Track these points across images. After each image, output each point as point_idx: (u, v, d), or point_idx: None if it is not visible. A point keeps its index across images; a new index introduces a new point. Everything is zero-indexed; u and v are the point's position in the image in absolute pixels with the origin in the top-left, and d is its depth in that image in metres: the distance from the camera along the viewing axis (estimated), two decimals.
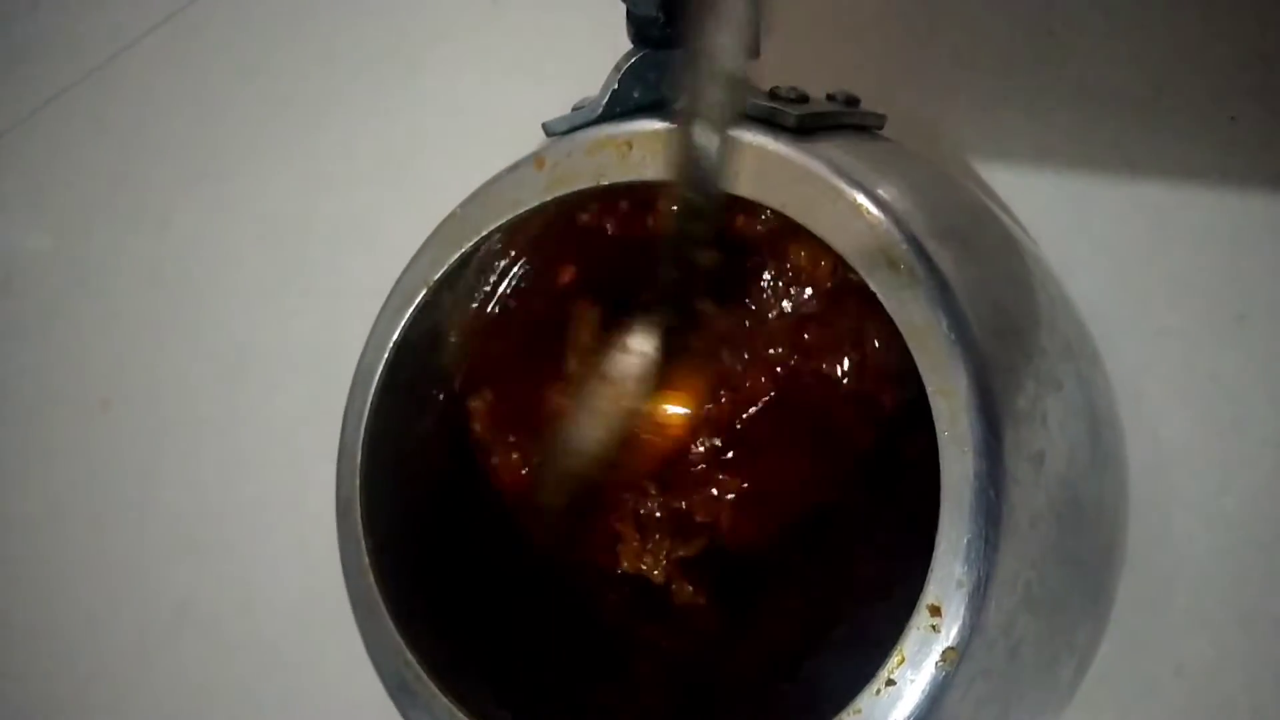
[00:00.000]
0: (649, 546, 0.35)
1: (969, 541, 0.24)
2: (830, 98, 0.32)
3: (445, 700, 0.29)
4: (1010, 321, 0.27)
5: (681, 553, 0.35)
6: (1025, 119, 0.38)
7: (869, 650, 0.25)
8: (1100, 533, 0.29)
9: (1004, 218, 0.31)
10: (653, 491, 0.35)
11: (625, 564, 0.35)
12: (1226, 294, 0.35)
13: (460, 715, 0.28)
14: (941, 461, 0.24)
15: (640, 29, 0.29)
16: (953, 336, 0.25)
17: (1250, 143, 0.35)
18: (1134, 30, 0.38)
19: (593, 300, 0.37)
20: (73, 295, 0.59)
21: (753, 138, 0.28)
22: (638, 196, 0.36)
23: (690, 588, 0.35)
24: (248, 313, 0.53)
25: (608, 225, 0.37)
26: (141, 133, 0.59)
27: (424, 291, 0.32)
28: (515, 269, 0.37)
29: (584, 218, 0.37)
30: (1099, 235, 0.36)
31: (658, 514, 0.35)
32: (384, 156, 0.51)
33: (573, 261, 0.38)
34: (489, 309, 0.37)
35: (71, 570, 0.54)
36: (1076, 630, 0.28)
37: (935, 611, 0.24)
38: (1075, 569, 0.27)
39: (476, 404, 0.36)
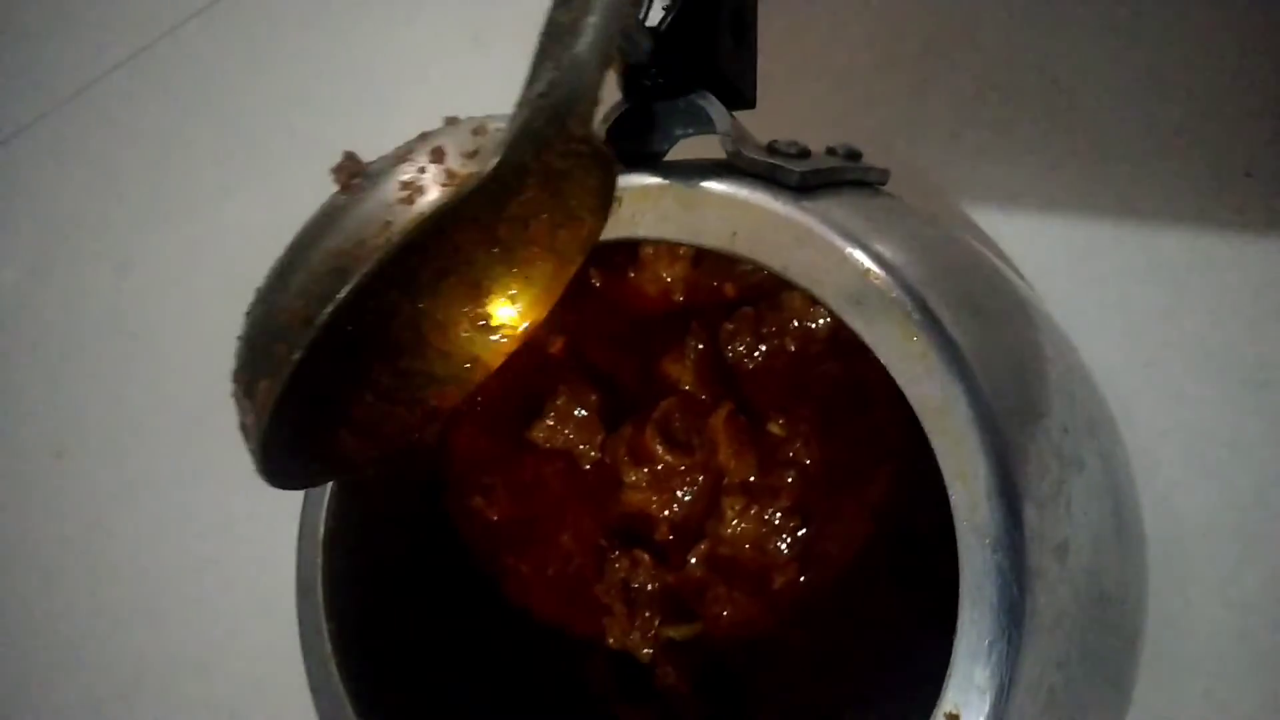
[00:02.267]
0: (637, 623, 0.33)
1: (990, 643, 0.22)
2: (831, 151, 0.30)
3: None
4: (1030, 397, 0.25)
5: (671, 634, 0.33)
6: (1030, 171, 0.36)
7: None
8: (1124, 623, 0.26)
9: (1014, 279, 0.30)
10: (646, 561, 0.33)
11: (611, 640, 0.33)
12: (1247, 357, 0.34)
13: None
14: (960, 553, 0.22)
15: (631, 78, 0.28)
16: (971, 416, 0.23)
17: (1269, 197, 0.34)
18: (1144, 79, 0.36)
19: (589, 384, 0.35)
20: (31, 335, 0.56)
21: (752, 195, 0.26)
22: (629, 254, 0.35)
23: (674, 672, 0.33)
24: (209, 363, 0.50)
25: (596, 282, 0.35)
26: (104, 169, 0.57)
27: None
28: None
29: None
30: (1110, 293, 0.35)
31: (649, 588, 0.33)
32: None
33: (563, 331, 0.36)
34: None
35: (22, 628, 0.51)
36: None
37: (954, 719, 0.22)
38: (1099, 666, 0.25)
39: (456, 443, 0.34)
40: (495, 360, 0.25)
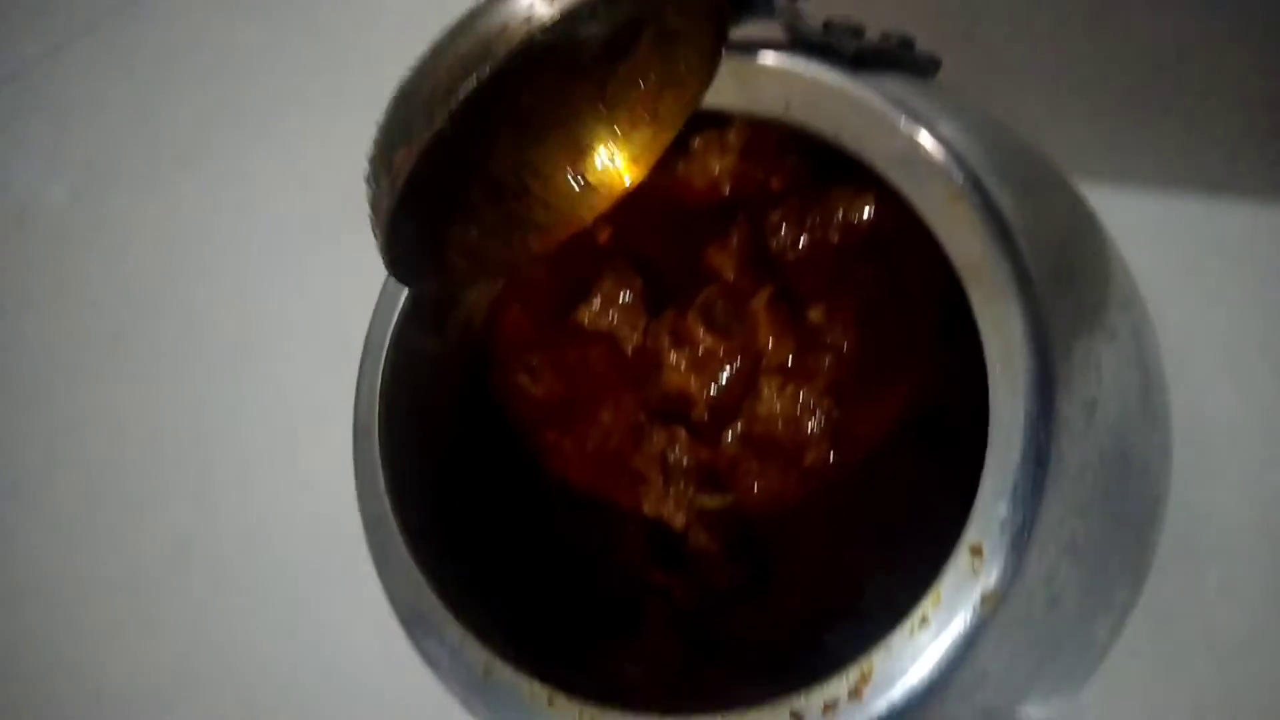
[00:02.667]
0: (672, 493, 0.35)
1: (1016, 482, 0.23)
2: (885, 37, 0.31)
3: (459, 627, 0.28)
4: (1068, 265, 0.26)
5: (704, 503, 0.34)
6: (1081, 76, 0.37)
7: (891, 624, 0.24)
8: (1145, 492, 0.28)
9: (1058, 167, 0.30)
10: (683, 437, 0.34)
11: (647, 507, 0.35)
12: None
13: (474, 644, 0.28)
14: (991, 400, 0.24)
15: None
16: (1009, 271, 0.24)
17: None
18: None
19: (635, 271, 0.37)
20: (87, 225, 0.58)
21: (807, 67, 0.27)
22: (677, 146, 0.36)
23: (706, 536, 0.34)
24: (266, 245, 0.52)
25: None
26: (163, 77, 0.58)
27: None
28: None
29: None
30: (1152, 195, 0.35)
31: (685, 462, 0.35)
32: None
33: (609, 222, 0.37)
34: None
35: (75, 503, 0.53)
36: (1115, 589, 0.27)
37: (976, 552, 0.23)
38: (1118, 525, 0.26)
39: (503, 324, 0.35)
40: (587, 216, 0.27)
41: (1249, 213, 0.35)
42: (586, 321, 0.36)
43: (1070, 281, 0.26)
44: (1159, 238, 0.35)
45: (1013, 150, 0.29)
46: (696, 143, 0.35)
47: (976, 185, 0.25)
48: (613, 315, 0.36)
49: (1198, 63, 0.36)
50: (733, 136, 0.35)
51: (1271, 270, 0.35)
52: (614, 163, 0.27)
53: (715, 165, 0.35)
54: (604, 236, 0.37)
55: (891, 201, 0.26)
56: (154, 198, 0.56)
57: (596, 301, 0.36)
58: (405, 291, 0.32)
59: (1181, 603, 0.34)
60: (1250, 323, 0.35)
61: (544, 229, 0.27)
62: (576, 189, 0.27)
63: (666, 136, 0.26)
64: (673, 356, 0.35)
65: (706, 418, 0.35)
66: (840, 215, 0.34)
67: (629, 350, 0.36)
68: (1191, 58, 0.36)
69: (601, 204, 0.27)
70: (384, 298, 0.32)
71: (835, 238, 0.34)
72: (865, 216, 0.33)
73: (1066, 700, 0.29)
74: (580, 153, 0.26)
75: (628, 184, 0.27)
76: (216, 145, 0.55)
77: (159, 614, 0.49)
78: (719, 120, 0.34)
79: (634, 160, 0.27)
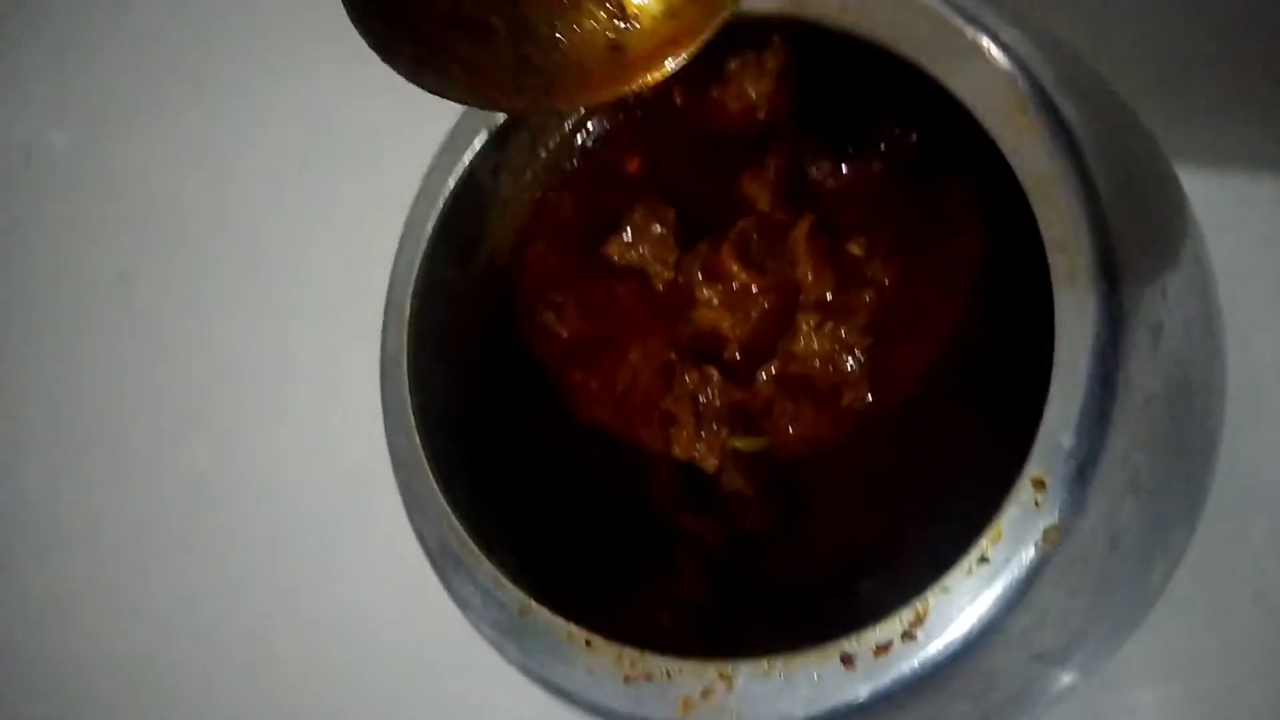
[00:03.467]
0: (704, 434, 0.33)
1: (1083, 409, 0.22)
2: None
3: (492, 567, 0.27)
4: (1134, 185, 0.25)
5: (739, 445, 0.33)
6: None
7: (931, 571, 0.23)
8: (1205, 426, 0.26)
9: (1118, 90, 0.29)
10: (715, 378, 0.33)
11: (677, 449, 0.34)
12: None
13: (508, 584, 0.27)
14: (1056, 323, 0.22)
15: None
16: (1076, 187, 0.23)
17: None
18: None
19: (666, 202, 0.35)
20: (94, 164, 0.56)
21: None
22: (713, 69, 0.34)
23: (739, 479, 0.33)
24: (277, 180, 0.50)
25: (677, 99, 0.35)
26: (168, 10, 0.57)
27: (485, 133, 0.30)
28: (583, 130, 0.35)
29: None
30: (1209, 128, 0.34)
31: (717, 403, 0.33)
32: None
33: (639, 152, 0.36)
34: (554, 166, 0.35)
35: (85, 445, 0.52)
36: (1173, 529, 0.26)
37: (1039, 485, 0.22)
38: (1181, 460, 0.25)
39: (529, 259, 0.34)
40: (610, 84, 0.25)
41: None
42: (616, 255, 0.35)
43: (1135, 201, 0.25)
44: (1218, 170, 0.34)
45: (1074, 66, 0.27)
46: (732, 65, 0.34)
47: (1044, 97, 0.24)
48: (643, 249, 0.35)
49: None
50: (770, 59, 0.33)
51: None
52: (640, 23, 0.24)
53: (751, 90, 0.34)
54: (634, 167, 0.36)
55: (941, 125, 0.25)
56: (161, 134, 0.54)
57: (627, 234, 0.35)
58: (432, 221, 0.31)
59: (1228, 553, 0.33)
60: None
61: (559, 78, 0.24)
62: (602, 42, 0.24)
63: (718, 16, 0.23)
64: (705, 292, 0.34)
65: (740, 357, 0.34)
66: (884, 144, 0.32)
67: (659, 286, 0.35)
68: None
69: (628, 75, 0.24)
70: (410, 226, 0.31)
71: (878, 165, 0.32)
72: (912, 140, 0.31)
73: (1117, 646, 0.28)
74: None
75: (663, 64, 0.24)
76: (224, 78, 0.53)
77: (172, 555, 0.48)
78: (757, 41, 0.32)
79: (674, 32, 0.24)
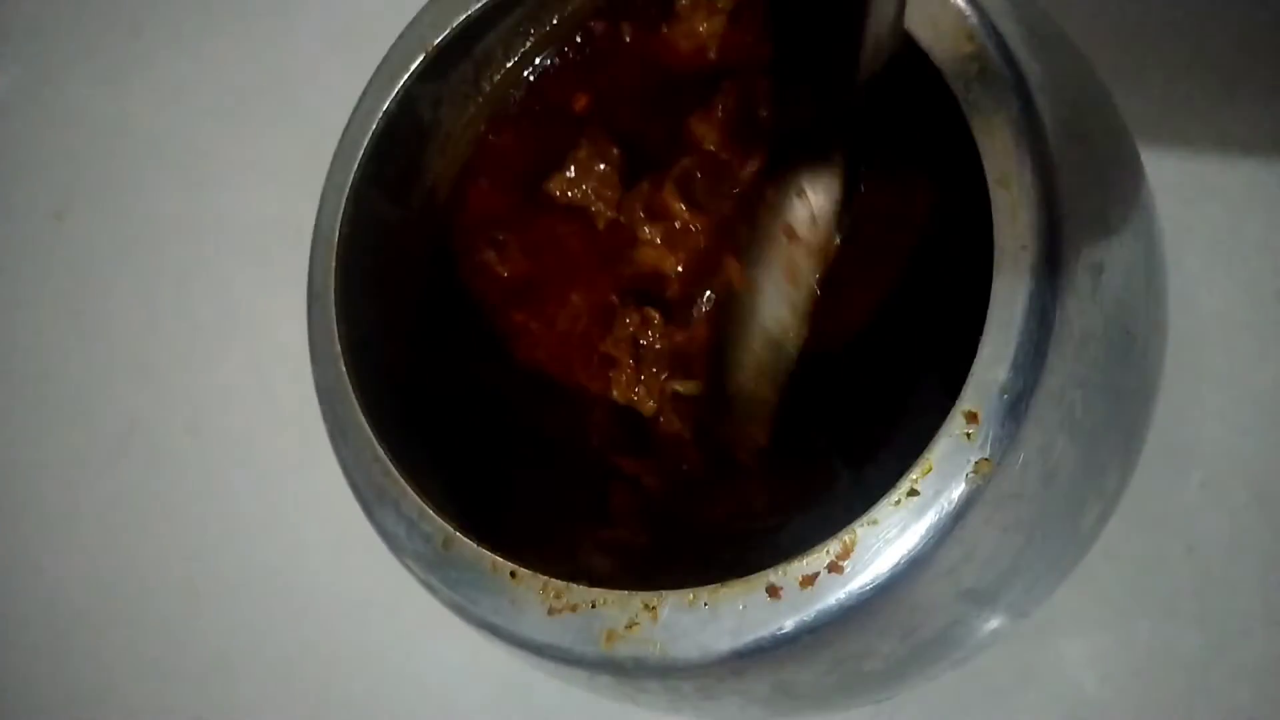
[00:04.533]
0: (643, 378, 0.33)
1: (1019, 345, 0.22)
2: None
3: (416, 499, 0.26)
4: (1083, 127, 0.24)
5: (678, 388, 0.33)
6: None
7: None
8: (1143, 373, 0.26)
9: (1070, 34, 0.29)
10: (656, 320, 0.33)
11: (616, 392, 0.33)
12: None
13: (432, 516, 0.26)
14: (995, 258, 0.22)
15: None
16: (1022, 122, 0.22)
17: None
18: None
19: (612, 140, 0.34)
20: (30, 104, 0.54)
21: None
22: (663, 6, 0.33)
23: (679, 422, 0.33)
24: (216, 116, 0.49)
25: (626, 36, 0.34)
26: None
27: (421, 57, 0.29)
28: (529, 66, 0.34)
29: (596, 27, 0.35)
30: (1157, 84, 0.34)
31: (658, 346, 0.33)
32: None
33: (587, 89, 0.35)
34: (498, 101, 0.34)
35: (16, 386, 0.50)
36: (1108, 472, 0.26)
37: (971, 418, 0.22)
38: (1118, 402, 0.25)
39: (470, 196, 0.33)
40: None
41: (1256, 106, 0.33)
42: (558, 192, 0.34)
43: (1082, 142, 0.24)
44: (1164, 120, 0.33)
45: (1035, 16, 0.27)
46: (683, 2, 0.33)
47: (994, 34, 0.23)
48: (586, 187, 0.34)
49: None
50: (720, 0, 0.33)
51: (1269, 163, 0.34)
52: None
53: (702, 27, 0.33)
54: (581, 104, 0.35)
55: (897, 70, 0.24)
56: (97, 73, 0.52)
57: (570, 170, 0.34)
58: (362, 150, 0.30)
59: (1162, 502, 0.33)
60: (1248, 218, 0.34)
61: None
62: None
63: None
64: (646, 231, 0.33)
65: (680, 296, 0.33)
66: (838, 86, 0.31)
67: (601, 225, 0.34)
68: None
69: None
70: (340, 154, 0.29)
71: (829, 111, 0.32)
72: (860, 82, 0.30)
73: (1049, 590, 0.28)
74: None
75: None
76: (161, 14, 0.51)
77: (105, 497, 0.47)
78: None
79: None
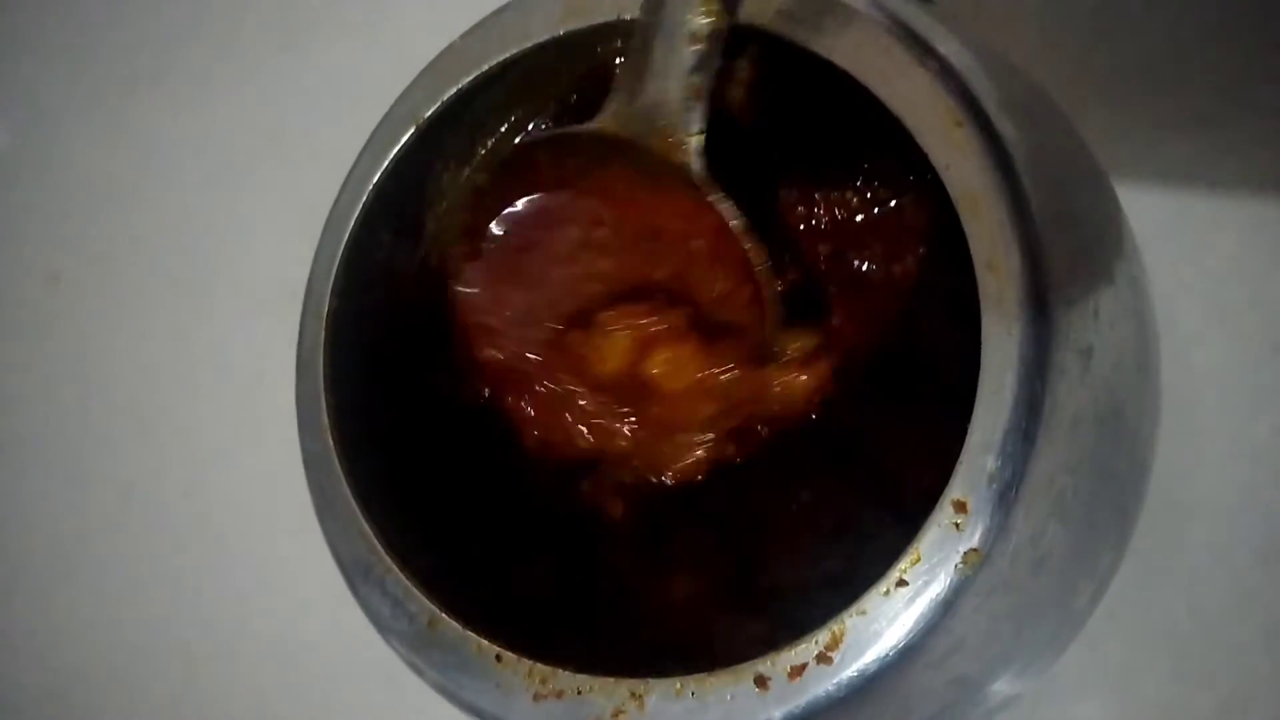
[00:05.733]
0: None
1: (1006, 433, 0.21)
2: None
3: (403, 577, 0.26)
4: (1069, 204, 0.24)
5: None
6: (1078, 18, 0.35)
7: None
8: (1136, 450, 0.26)
9: (1058, 103, 0.28)
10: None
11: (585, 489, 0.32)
12: (1276, 209, 0.33)
13: (417, 595, 0.26)
14: (984, 343, 0.22)
15: None
16: (1008, 205, 0.22)
17: None
18: None
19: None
20: (26, 165, 0.54)
21: None
22: None
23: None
24: (212, 180, 0.49)
25: None
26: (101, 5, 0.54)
27: (412, 129, 0.29)
28: (524, 131, 0.34)
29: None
30: (1144, 139, 0.34)
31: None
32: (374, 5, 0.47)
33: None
34: (497, 160, 0.33)
35: (15, 449, 0.50)
36: (1100, 554, 0.26)
37: (960, 508, 0.21)
38: (1109, 485, 0.25)
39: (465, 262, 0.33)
40: None
41: (1246, 159, 0.33)
42: None
43: (1070, 221, 0.24)
44: (1155, 181, 0.33)
45: (1013, 81, 0.27)
46: None
47: (978, 111, 0.23)
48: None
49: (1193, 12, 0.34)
50: (744, 66, 0.31)
51: (1264, 220, 0.33)
52: None
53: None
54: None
55: (890, 139, 0.24)
56: (93, 136, 0.52)
57: None
58: (350, 224, 0.30)
59: (1164, 564, 0.33)
60: (1241, 273, 0.33)
61: None
62: None
63: None
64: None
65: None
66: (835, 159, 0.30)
67: None
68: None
69: None
70: (329, 228, 0.29)
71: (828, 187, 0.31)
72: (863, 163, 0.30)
73: (1043, 670, 0.27)
74: None
75: None
76: (163, 77, 0.51)
77: (99, 562, 0.47)
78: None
79: None
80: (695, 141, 0.25)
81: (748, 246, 0.26)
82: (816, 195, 0.29)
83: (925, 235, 0.28)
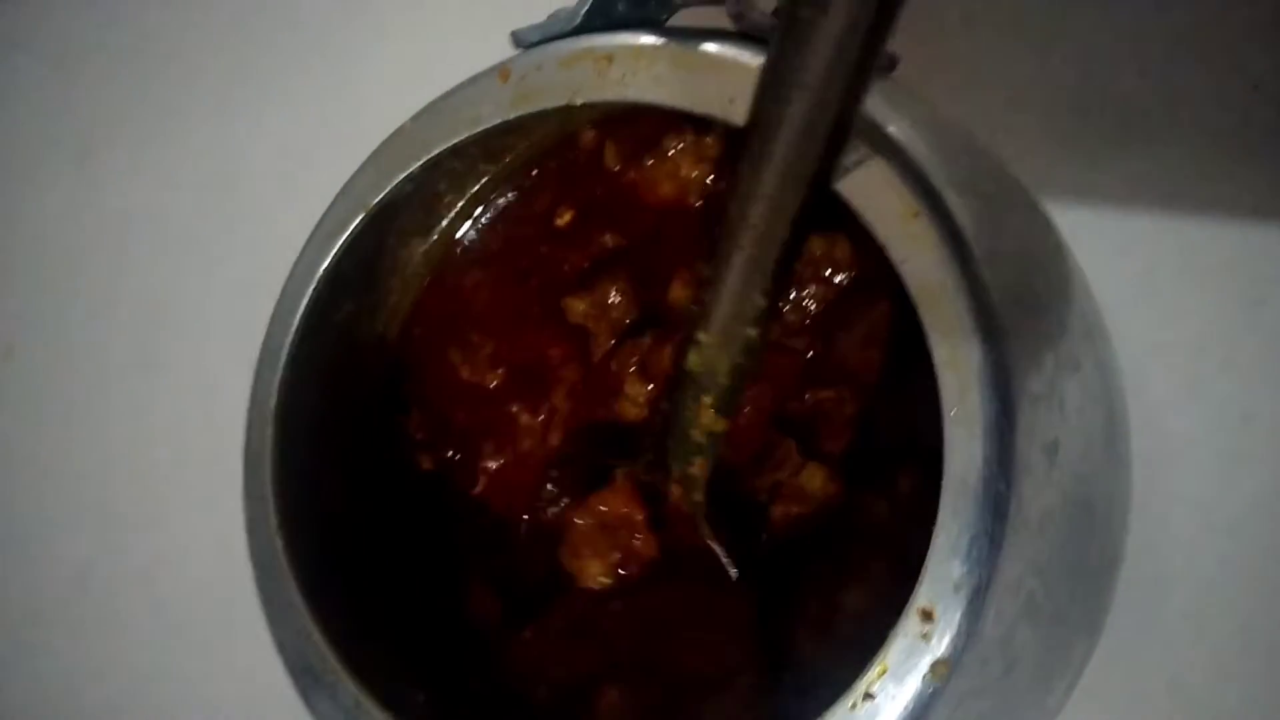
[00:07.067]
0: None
1: (972, 538, 0.21)
2: None
3: (355, 685, 0.25)
4: (1030, 291, 0.24)
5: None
6: (1032, 71, 0.35)
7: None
8: (1107, 540, 0.25)
9: (1016, 176, 0.28)
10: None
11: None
12: (1244, 274, 0.32)
13: (367, 703, 0.25)
14: (945, 444, 0.21)
15: None
16: (967, 299, 0.21)
17: (1269, 114, 0.32)
18: None
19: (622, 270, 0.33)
20: None
21: (754, 60, 0.24)
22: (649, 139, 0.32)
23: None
24: (166, 258, 0.48)
25: (614, 166, 0.33)
26: (64, 57, 0.53)
27: (360, 216, 0.28)
28: (485, 202, 0.33)
29: (587, 136, 0.33)
30: (1107, 204, 0.33)
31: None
32: (329, 79, 0.46)
33: (570, 202, 0.34)
34: (450, 244, 0.33)
35: None
36: (1074, 645, 0.25)
37: (927, 617, 0.21)
38: (1079, 577, 0.24)
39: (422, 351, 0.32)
40: None
41: (1212, 225, 0.33)
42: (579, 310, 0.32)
43: (1032, 307, 0.23)
44: (1119, 249, 0.33)
45: (972, 158, 0.26)
46: (672, 143, 0.31)
47: (934, 198, 0.22)
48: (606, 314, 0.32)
49: (1159, 77, 0.34)
50: (712, 142, 0.31)
51: (1233, 285, 0.33)
52: None
53: (686, 171, 0.31)
54: (564, 220, 0.34)
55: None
56: (45, 206, 0.51)
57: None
58: (308, 294, 0.29)
59: (1142, 639, 0.32)
60: (1211, 339, 0.33)
61: None
62: None
63: None
64: (635, 389, 0.31)
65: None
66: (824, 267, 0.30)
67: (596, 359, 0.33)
68: (1152, 72, 0.34)
69: None
70: (276, 319, 0.28)
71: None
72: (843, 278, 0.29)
73: None
74: None
75: None
76: (116, 146, 0.50)
77: (55, 644, 0.45)
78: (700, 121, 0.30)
79: None
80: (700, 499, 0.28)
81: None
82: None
83: (887, 323, 0.27)
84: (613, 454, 0.31)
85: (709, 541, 0.28)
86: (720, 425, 0.27)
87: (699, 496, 0.28)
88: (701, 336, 0.25)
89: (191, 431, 0.45)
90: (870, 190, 0.22)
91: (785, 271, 0.23)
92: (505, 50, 0.28)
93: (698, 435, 0.27)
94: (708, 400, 0.26)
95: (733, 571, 0.28)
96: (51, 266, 0.51)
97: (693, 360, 0.26)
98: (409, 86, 0.29)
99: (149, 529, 0.46)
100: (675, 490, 0.29)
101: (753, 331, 0.24)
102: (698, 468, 0.28)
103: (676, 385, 0.27)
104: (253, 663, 0.40)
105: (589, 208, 0.34)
